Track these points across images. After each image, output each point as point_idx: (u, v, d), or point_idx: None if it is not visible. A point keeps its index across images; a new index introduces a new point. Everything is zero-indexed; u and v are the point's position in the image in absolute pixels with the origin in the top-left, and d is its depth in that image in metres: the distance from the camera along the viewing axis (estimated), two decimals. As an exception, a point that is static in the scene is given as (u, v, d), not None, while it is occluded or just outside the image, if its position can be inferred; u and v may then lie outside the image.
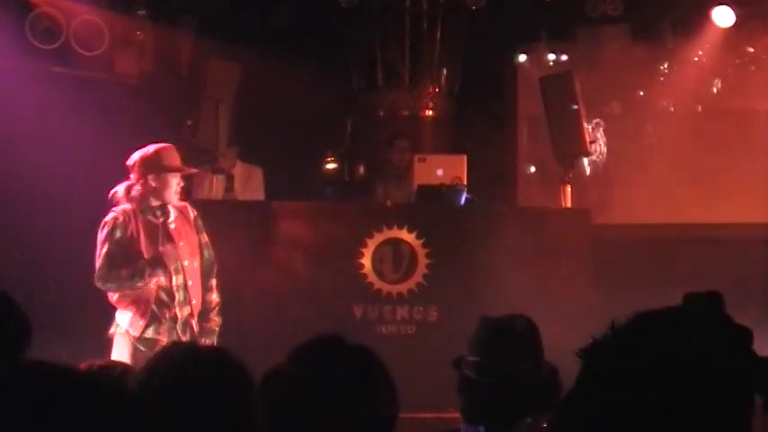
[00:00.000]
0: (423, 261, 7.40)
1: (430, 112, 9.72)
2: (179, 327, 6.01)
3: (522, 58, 10.14)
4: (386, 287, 7.40)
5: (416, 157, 8.07)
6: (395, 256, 7.42)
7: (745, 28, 9.35)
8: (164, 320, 5.98)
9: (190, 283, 6.07)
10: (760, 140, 9.61)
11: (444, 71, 9.78)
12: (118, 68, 8.70)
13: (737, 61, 9.76)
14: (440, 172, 7.73)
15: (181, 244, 6.06)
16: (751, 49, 9.69)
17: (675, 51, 9.68)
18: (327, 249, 7.45)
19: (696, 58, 9.76)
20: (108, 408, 1.10)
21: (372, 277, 7.38)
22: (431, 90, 9.74)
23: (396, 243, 7.42)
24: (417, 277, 7.40)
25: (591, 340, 1.36)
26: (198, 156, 8.37)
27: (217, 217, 7.34)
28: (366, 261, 7.38)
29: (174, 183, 6.09)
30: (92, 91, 8.42)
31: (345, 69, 9.83)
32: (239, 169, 8.60)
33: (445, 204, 7.69)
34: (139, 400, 1.12)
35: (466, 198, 7.73)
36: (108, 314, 6.24)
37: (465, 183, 7.72)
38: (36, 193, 7.93)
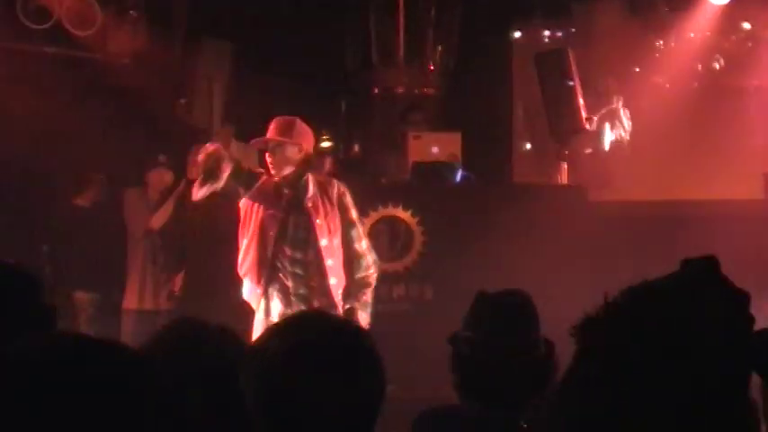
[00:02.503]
0: (418, 239, 7.37)
1: (425, 90, 9.69)
2: (295, 301, 5.49)
3: (517, 34, 10.10)
4: (382, 265, 7.36)
5: (411, 134, 8.04)
6: (390, 234, 7.39)
7: (741, 4, 9.31)
8: (281, 293, 5.55)
9: (329, 262, 5.61)
10: (756, 117, 9.58)
11: (439, 48, 9.74)
12: (111, 48, 8.66)
13: (734, 37, 9.73)
14: (435, 149, 7.71)
15: (317, 221, 5.67)
16: (747, 26, 9.65)
17: (671, 27, 9.64)
18: (323, 228, 7.42)
19: (692, 35, 9.73)
20: (123, 364, 1.12)
21: (368, 255, 7.35)
22: (426, 68, 9.70)
23: (391, 221, 7.40)
24: (413, 255, 7.38)
25: (583, 317, 1.34)
26: (192, 135, 8.34)
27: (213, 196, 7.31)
28: (362, 239, 7.35)
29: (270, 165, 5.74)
30: (84, 71, 8.37)
31: (340, 46, 9.79)
32: (235, 148, 8.56)
33: (441, 182, 7.66)
34: (149, 362, 1.14)
35: (462, 175, 7.70)
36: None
37: (460, 160, 7.70)
38: (30, 173, 7.90)
